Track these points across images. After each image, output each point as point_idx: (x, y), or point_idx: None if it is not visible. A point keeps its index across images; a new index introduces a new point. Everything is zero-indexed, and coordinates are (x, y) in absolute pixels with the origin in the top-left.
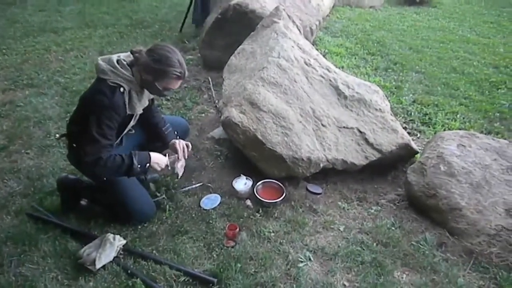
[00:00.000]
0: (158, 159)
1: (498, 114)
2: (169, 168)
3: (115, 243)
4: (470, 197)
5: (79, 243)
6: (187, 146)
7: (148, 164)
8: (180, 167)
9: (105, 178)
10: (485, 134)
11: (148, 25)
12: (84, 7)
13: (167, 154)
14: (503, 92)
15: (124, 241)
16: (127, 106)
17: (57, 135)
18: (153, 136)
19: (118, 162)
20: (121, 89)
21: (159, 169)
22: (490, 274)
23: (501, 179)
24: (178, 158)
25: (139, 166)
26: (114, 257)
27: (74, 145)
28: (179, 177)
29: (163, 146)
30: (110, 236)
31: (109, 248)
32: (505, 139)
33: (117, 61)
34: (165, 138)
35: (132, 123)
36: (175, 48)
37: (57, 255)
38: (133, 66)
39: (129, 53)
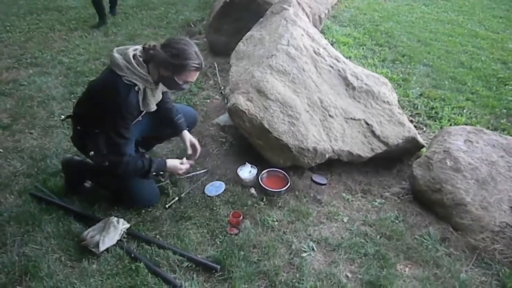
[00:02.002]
0: (174, 168)
1: (505, 110)
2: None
3: (119, 226)
4: (476, 193)
5: (83, 225)
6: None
7: (162, 172)
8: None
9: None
10: (492, 130)
11: (154, 7)
12: None
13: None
14: (510, 89)
15: (128, 225)
16: (140, 104)
17: (62, 117)
18: (164, 123)
19: (139, 167)
20: (136, 88)
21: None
22: (492, 271)
23: (507, 176)
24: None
25: (154, 173)
26: (118, 241)
27: (79, 127)
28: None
29: (173, 133)
30: (114, 219)
31: (113, 231)
32: (511, 136)
33: (133, 56)
34: (177, 127)
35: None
36: (189, 40)
37: (60, 236)
38: (149, 62)
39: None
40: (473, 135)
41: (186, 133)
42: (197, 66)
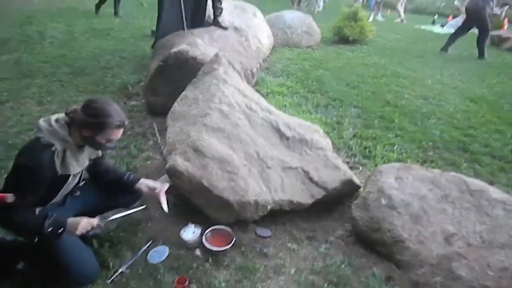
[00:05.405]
0: (75, 224)
1: (431, 143)
2: (98, 225)
3: None
4: (411, 228)
5: None
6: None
7: (61, 230)
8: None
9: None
10: (421, 163)
11: (90, 73)
12: (22, 56)
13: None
14: (433, 122)
15: None
16: (58, 166)
17: None
18: (119, 190)
19: (30, 219)
20: (53, 148)
21: (78, 233)
22: None
23: (437, 208)
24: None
25: (49, 229)
26: None
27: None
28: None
29: (132, 196)
30: None
31: None
32: (439, 167)
33: (56, 120)
34: (130, 184)
35: (71, 182)
36: (109, 100)
37: None
38: (70, 125)
39: None
40: (402, 171)
41: (141, 182)
42: (118, 123)
